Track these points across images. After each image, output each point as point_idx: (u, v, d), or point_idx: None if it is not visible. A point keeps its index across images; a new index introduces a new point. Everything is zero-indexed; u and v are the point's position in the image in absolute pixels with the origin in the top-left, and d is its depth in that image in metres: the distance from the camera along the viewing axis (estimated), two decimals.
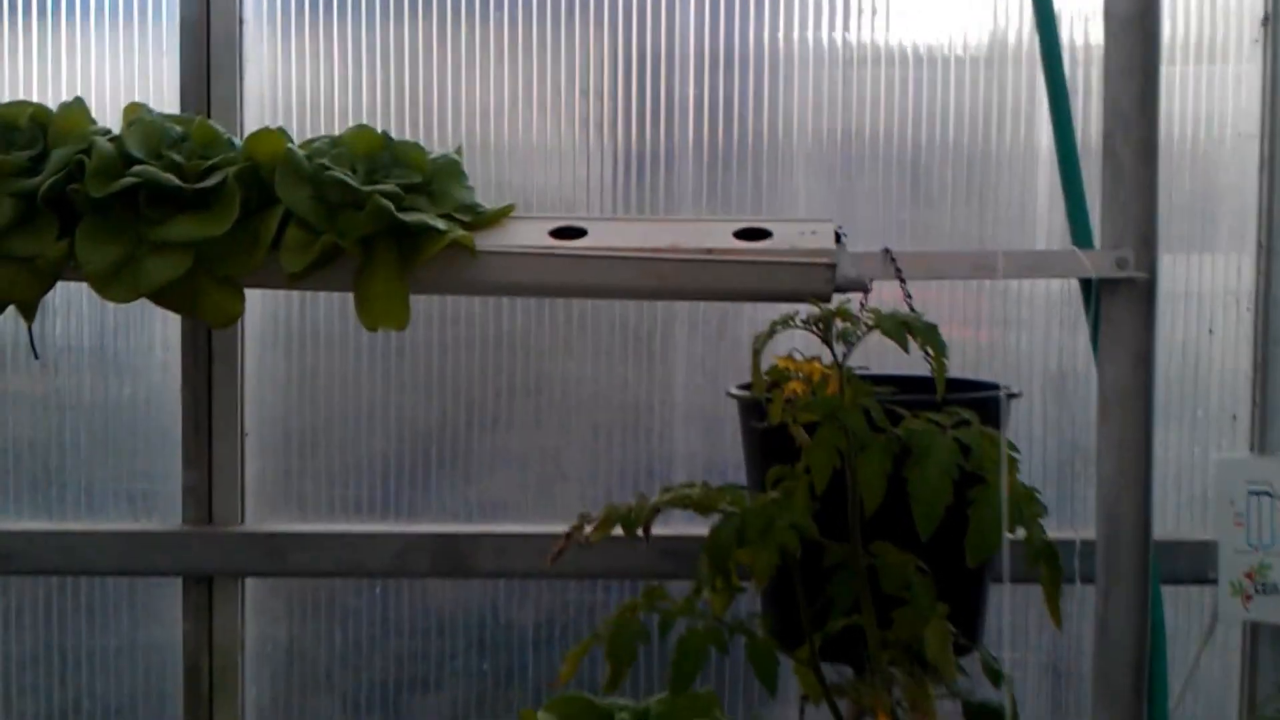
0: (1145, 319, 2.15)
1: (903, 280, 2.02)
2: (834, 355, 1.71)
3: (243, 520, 2.40)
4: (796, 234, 1.94)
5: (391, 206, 1.85)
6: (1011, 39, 2.43)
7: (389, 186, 1.89)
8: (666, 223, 2.04)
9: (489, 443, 2.43)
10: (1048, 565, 1.64)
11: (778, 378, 1.75)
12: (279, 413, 2.43)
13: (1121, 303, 2.14)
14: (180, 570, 2.38)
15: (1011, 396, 2.04)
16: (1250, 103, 2.39)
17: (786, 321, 1.72)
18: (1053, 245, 2.39)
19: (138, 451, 2.44)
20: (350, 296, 1.86)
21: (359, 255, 1.87)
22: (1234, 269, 2.42)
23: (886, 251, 2.08)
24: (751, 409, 2.00)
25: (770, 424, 1.76)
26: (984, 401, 1.85)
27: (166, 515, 2.42)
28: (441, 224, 1.88)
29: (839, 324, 1.71)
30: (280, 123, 1.96)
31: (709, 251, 1.91)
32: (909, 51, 2.43)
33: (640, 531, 1.74)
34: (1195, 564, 2.38)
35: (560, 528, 2.31)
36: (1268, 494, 2.22)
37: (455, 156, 2.00)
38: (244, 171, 1.88)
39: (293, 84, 2.41)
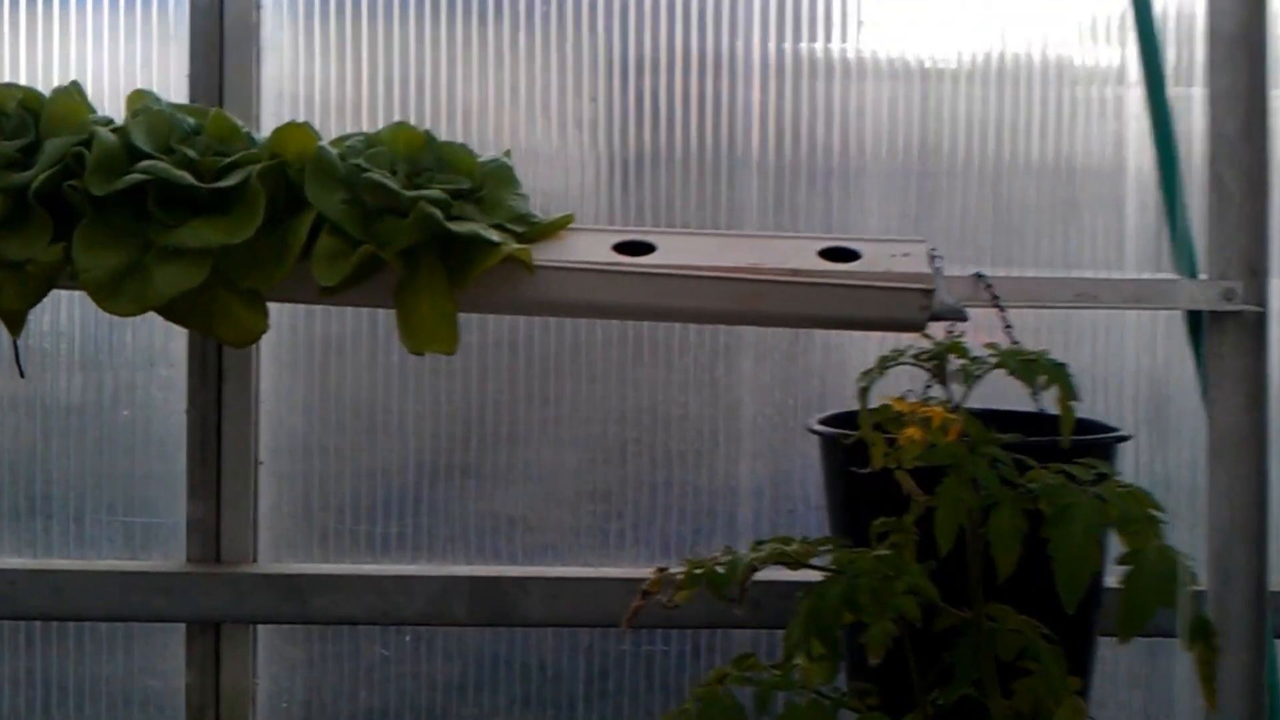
0: (1257, 356, 1.98)
1: (1001, 308, 1.81)
2: (948, 396, 1.51)
3: (256, 559, 2.15)
4: (887, 255, 1.72)
5: (440, 214, 1.62)
6: (1098, 56, 2.20)
7: (435, 192, 1.66)
8: (742, 238, 1.83)
9: (536, 475, 2.19)
10: (1205, 643, 1.43)
11: (886, 419, 1.53)
12: (297, 438, 2.19)
13: (1230, 338, 1.98)
14: (184, 615, 2.13)
15: (1121, 440, 1.83)
16: None
17: (896, 357, 1.52)
18: (1142, 271, 2.18)
19: (135, 480, 2.19)
20: (380, 311, 1.63)
21: (401, 269, 1.63)
22: None
23: (979, 276, 1.87)
24: (841, 449, 1.78)
25: (873, 469, 1.55)
26: (1091, 445, 1.63)
27: (168, 552, 2.17)
28: (495, 235, 1.65)
29: (955, 361, 1.50)
30: (301, 119, 1.72)
31: (794, 272, 1.69)
32: (991, 65, 2.20)
33: (736, 593, 1.51)
34: None
35: (615, 571, 2.15)
36: None
37: (506, 160, 1.77)
38: (268, 170, 1.65)
39: (315, 77, 2.17)
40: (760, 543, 1.59)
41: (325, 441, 2.18)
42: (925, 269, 1.70)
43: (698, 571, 1.56)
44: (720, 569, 1.54)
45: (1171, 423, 2.23)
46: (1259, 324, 1.96)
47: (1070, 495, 1.39)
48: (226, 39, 2.08)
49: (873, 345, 2.13)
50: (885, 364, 1.52)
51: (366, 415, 2.18)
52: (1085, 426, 1.85)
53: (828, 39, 2.19)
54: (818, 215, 2.19)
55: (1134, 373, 2.24)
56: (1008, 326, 1.80)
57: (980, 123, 2.22)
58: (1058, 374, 1.47)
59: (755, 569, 1.52)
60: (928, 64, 2.21)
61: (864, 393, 1.52)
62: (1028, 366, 1.47)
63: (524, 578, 2.11)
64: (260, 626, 2.18)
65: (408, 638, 2.21)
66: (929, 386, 1.61)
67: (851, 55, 2.21)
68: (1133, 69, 2.14)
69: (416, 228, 1.62)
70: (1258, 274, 1.96)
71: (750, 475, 2.18)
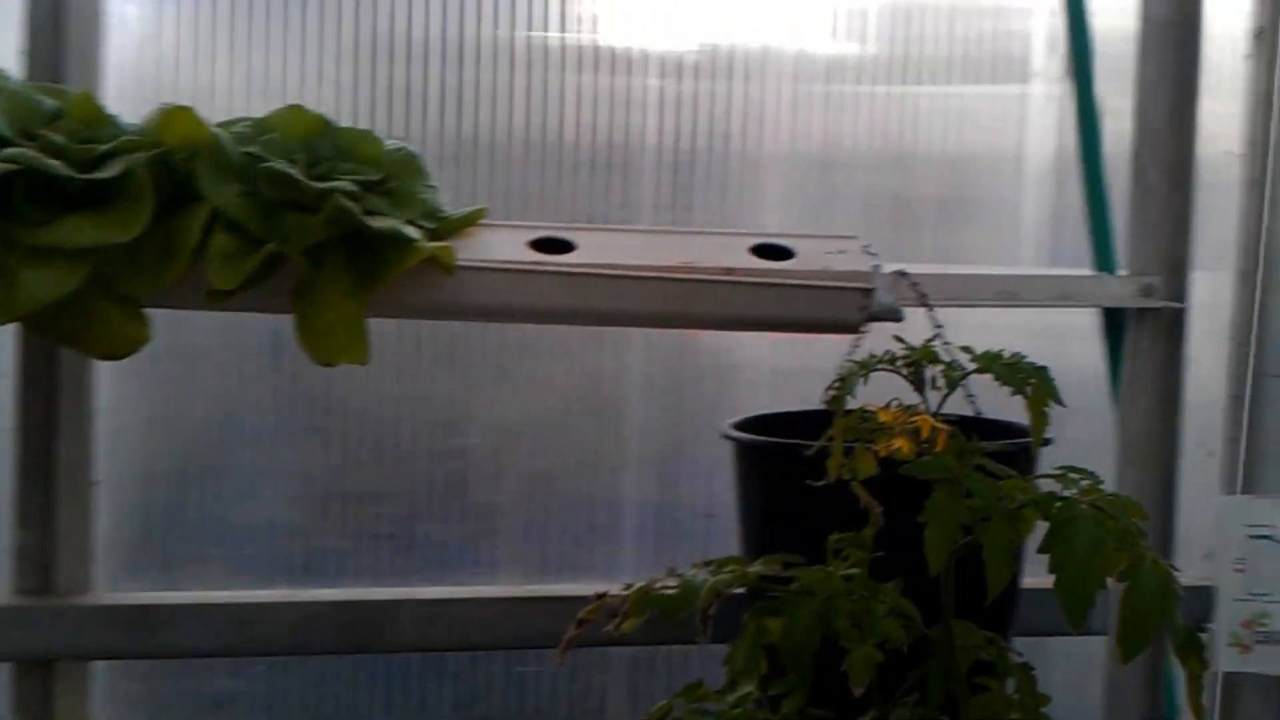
0: (1173, 353, 1.96)
1: (929, 306, 1.74)
2: (925, 403, 1.44)
3: (93, 589, 1.90)
4: (822, 253, 1.65)
5: (356, 209, 1.47)
6: (1001, 45, 2.16)
7: (346, 184, 1.50)
8: (666, 234, 1.73)
9: (405, 489, 2.03)
10: (1196, 657, 1.39)
11: (848, 428, 1.45)
12: (139, 454, 1.96)
13: (1147, 335, 1.96)
14: (11, 653, 1.88)
15: (1044, 443, 1.79)
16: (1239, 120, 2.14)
17: (875, 363, 1.45)
18: (1040, 266, 2.14)
19: None
20: (236, 316, 1.48)
21: (306, 269, 1.48)
22: (1210, 294, 2.19)
23: (901, 274, 1.80)
24: (764, 458, 1.69)
25: (829, 481, 1.47)
26: (1016, 451, 1.59)
27: None
28: (415, 233, 1.51)
29: (932, 368, 1.44)
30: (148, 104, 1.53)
31: (728, 271, 1.59)
32: (889, 60, 2.13)
33: (699, 620, 1.40)
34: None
35: (492, 590, 2.00)
36: (1269, 538, 2.02)
37: (412, 149, 1.62)
38: (154, 160, 1.47)
39: (164, 56, 1.95)
40: (708, 562, 1.50)
41: (172, 459, 1.97)
42: (864, 267, 1.63)
43: (645, 596, 1.45)
44: (672, 592, 1.44)
45: (1055, 422, 2.20)
46: (1176, 321, 1.94)
47: (1071, 507, 1.33)
48: (68, 12, 1.84)
49: (766, 347, 2.06)
50: (867, 369, 1.44)
51: (218, 429, 1.98)
52: (1008, 429, 1.80)
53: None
54: (715, 206, 2.09)
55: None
56: (938, 327, 1.74)
57: (882, 116, 2.15)
58: (1040, 379, 1.42)
59: (720, 594, 1.42)
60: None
61: (839, 400, 1.43)
62: (1011, 370, 1.41)
63: (395, 600, 1.92)
64: (98, 664, 1.95)
65: (260, 668, 2.02)
66: (837, 387, 1.52)
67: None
68: (1036, 64, 2.12)
69: (329, 224, 1.47)
70: (1177, 269, 1.94)
71: (636, 483, 2.07)
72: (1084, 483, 1.39)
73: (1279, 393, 1.95)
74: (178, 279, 1.47)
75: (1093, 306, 2.02)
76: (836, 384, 1.44)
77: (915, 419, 1.38)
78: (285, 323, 1.49)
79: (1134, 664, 1.97)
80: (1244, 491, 2.05)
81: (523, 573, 2.03)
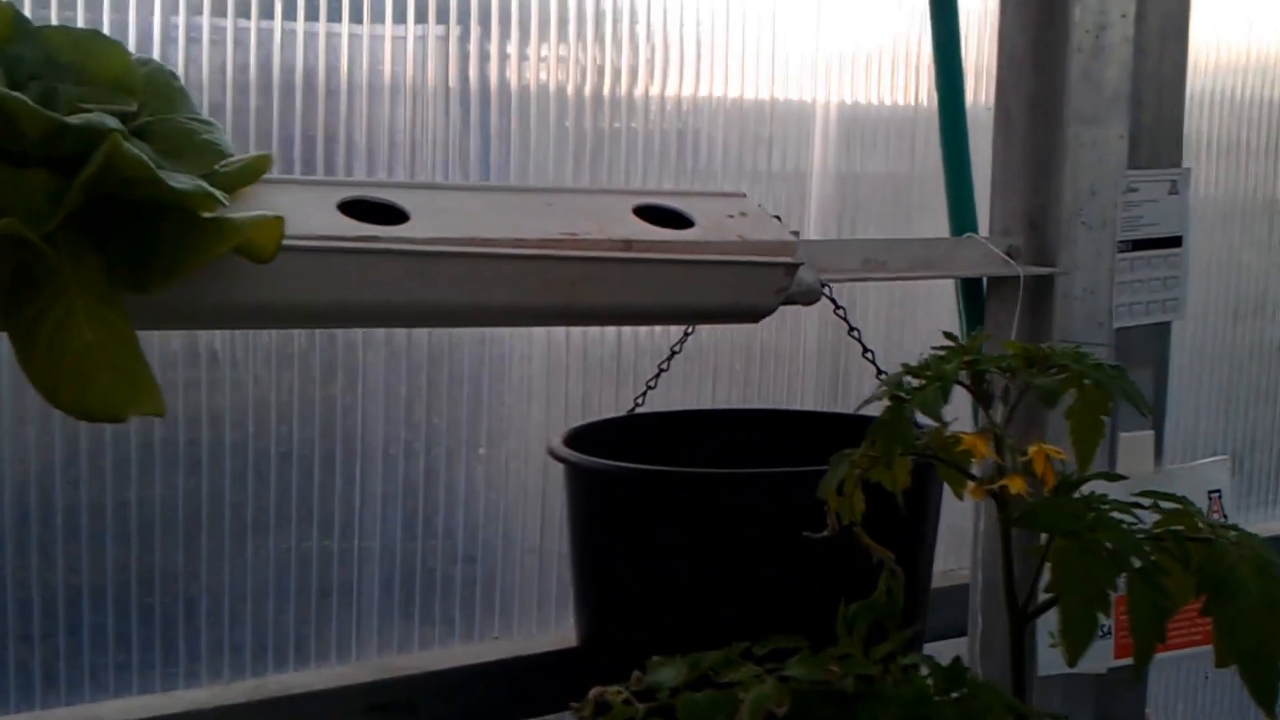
0: (1036, 322, 1.62)
1: (820, 283, 1.34)
2: (989, 422, 1.02)
3: None
4: (724, 216, 1.23)
5: (148, 160, 0.90)
6: None
7: (105, 117, 0.92)
8: (516, 194, 1.26)
9: (103, 565, 1.38)
10: None
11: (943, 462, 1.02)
12: None
13: (1009, 303, 1.61)
14: None
15: None
16: None
17: (949, 370, 1.00)
18: (827, 231, 1.77)
19: None
20: None
21: (48, 259, 0.90)
22: None
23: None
24: (607, 486, 1.25)
25: (829, 533, 1.05)
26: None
27: None
28: (222, 195, 0.94)
29: (998, 377, 1.03)
30: None
31: (626, 245, 1.13)
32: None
33: None
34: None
35: (197, 698, 1.40)
36: None
37: (163, 64, 1.04)
38: None
39: None
40: (694, 658, 1.03)
41: None
42: (783, 235, 1.21)
43: None
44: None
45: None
46: (1040, 286, 1.59)
47: (1221, 554, 0.97)
48: None
49: (539, 336, 1.57)
50: (943, 380, 0.99)
51: None
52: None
53: None
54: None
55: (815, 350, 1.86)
56: (839, 309, 1.34)
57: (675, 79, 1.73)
58: (1120, 381, 1.04)
59: (773, 715, 0.96)
60: None
61: (890, 428, 0.98)
62: (1113, 376, 1.02)
63: None
64: None
65: None
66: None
67: None
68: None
69: (91, 186, 0.88)
70: (1038, 227, 1.58)
71: (379, 527, 1.51)
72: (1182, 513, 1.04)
73: None
74: None
75: (964, 276, 1.65)
76: (887, 398, 0.99)
77: (1033, 449, 0.97)
78: None
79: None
80: None
81: (236, 665, 1.44)
